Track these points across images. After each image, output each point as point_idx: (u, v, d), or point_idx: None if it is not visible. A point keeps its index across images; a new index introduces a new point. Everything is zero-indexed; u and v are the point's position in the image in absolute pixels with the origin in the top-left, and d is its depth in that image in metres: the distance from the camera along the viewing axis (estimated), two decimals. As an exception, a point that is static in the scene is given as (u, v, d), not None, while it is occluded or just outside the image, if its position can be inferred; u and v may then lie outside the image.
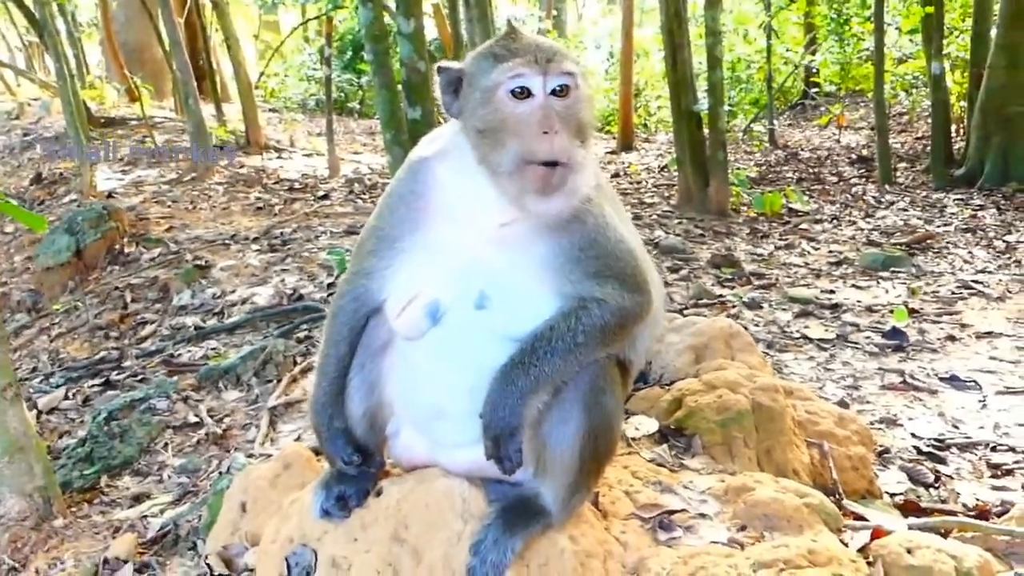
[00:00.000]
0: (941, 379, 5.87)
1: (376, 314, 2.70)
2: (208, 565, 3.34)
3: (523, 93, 2.37)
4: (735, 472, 3.18)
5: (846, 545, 2.78)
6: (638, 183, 15.15)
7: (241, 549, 3.39)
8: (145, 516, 4.22)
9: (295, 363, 5.80)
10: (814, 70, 21.75)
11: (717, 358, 3.80)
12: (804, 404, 3.85)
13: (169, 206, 11.19)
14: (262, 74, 24.70)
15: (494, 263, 2.52)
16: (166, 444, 5.04)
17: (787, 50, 21.11)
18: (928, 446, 4.80)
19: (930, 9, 13.63)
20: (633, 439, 3.38)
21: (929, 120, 15.02)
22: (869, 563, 2.65)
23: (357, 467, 2.72)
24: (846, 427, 3.79)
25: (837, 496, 3.41)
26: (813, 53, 20.47)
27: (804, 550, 2.51)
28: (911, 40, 18.72)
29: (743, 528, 2.78)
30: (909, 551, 2.66)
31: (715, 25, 11.65)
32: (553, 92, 2.38)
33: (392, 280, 2.64)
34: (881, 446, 4.69)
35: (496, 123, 2.38)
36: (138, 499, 4.48)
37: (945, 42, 14.79)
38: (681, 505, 2.89)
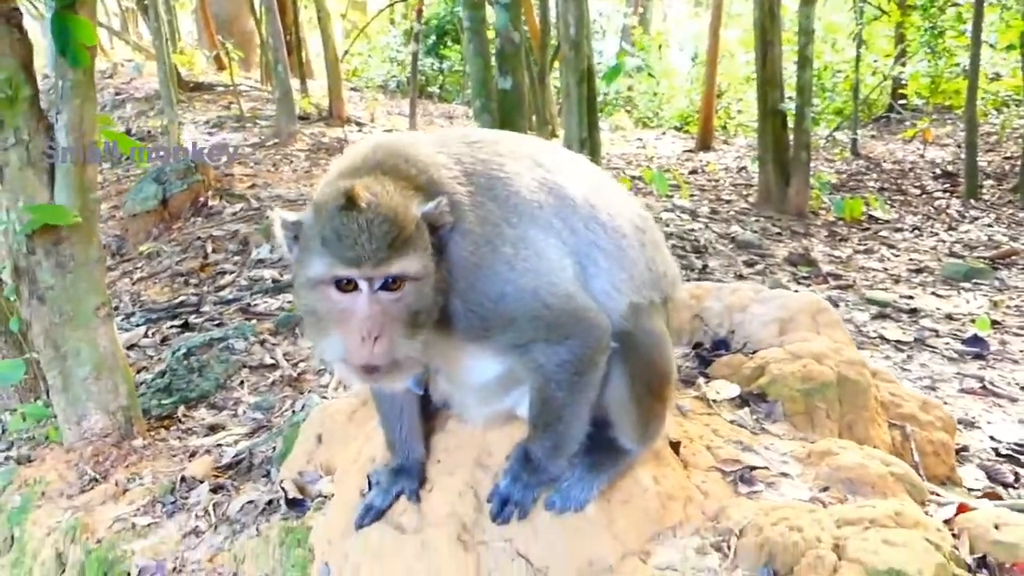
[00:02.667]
0: (1022, 388, 5.73)
1: None
2: (283, 489, 3.39)
3: (349, 284, 2.18)
4: (816, 441, 3.14)
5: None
6: (716, 181, 15.01)
7: (315, 476, 3.43)
8: (220, 445, 4.31)
9: (371, 317, 5.85)
10: (902, 82, 21.34)
11: (802, 331, 3.75)
12: (888, 386, 3.79)
13: (252, 167, 11.36)
14: (347, 52, 24.91)
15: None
16: (242, 382, 5.14)
17: (876, 61, 20.72)
18: (1008, 449, 4.70)
19: (1031, 23, 13.32)
20: (714, 402, 3.35)
21: (1019, 140, 14.66)
22: (954, 535, 2.60)
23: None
24: (929, 412, 3.73)
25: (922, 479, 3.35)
26: (903, 65, 20.08)
27: (891, 511, 2.47)
28: (1005, 58, 18.28)
29: (825, 489, 2.75)
30: (996, 526, 2.60)
31: (808, 24, 11.47)
32: (384, 286, 2.19)
33: None
34: (960, 444, 4.60)
35: (319, 313, 2.24)
36: (213, 429, 4.58)
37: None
38: (763, 463, 2.87)
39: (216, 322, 6.39)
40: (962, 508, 2.78)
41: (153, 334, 6.41)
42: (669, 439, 2.84)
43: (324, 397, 4.74)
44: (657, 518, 2.51)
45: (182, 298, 7.20)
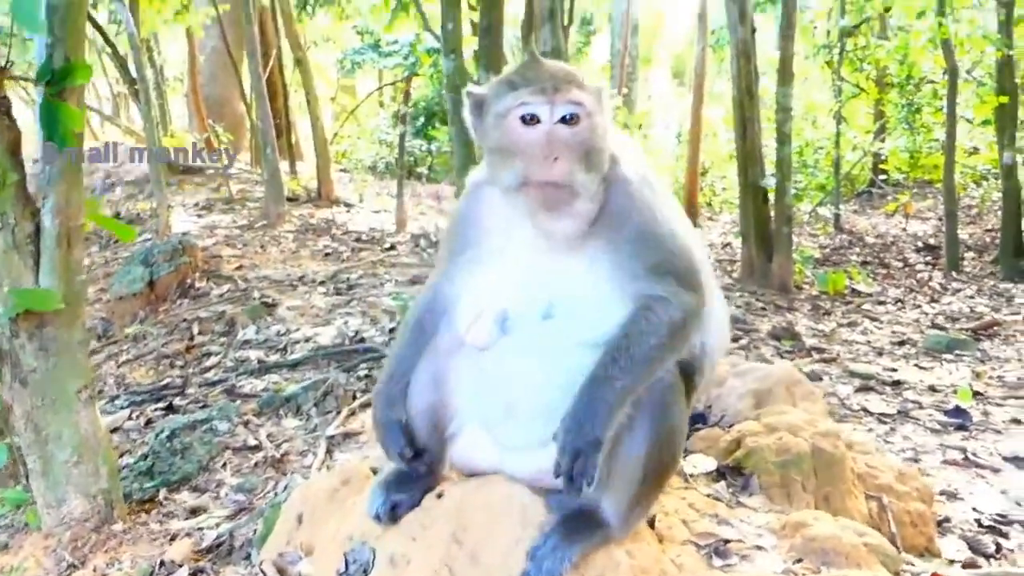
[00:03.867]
0: (1005, 459, 5.74)
1: (447, 317, 2.78)
2: (263, 571, 3.38)
3: (532, 120, 2.49)
4: (791, 513, 3.16)
5: (904, 586, 2.76)
6: (701, 258, 15.15)
7: (296, 558, 3.42)
8: (201, 528, 4.29)
9: (355, 397, 5.88)
10: (883, 158, 21.68)
11: (779, 404, 3.79)
12: (864, 457, 3.82)
13: (240, 248, 11.45)
14: (336, 135, 25.23)
15: (555, 272, 2.61)
16: (225, 464, 5.13)
17: (855, 137, 21.06)
18: (990, 520, 4.71)
19: (1004, 99, 13.58)
20: (691, 476, 3.38)
21: (999, 213, 14.87)
22: (928, 605, 2.62)
23: (409, 462, 2.78)
24: (906, 483, 3.75)
25: (896, 550, 3.36)
26: (882, 141, 20.42)
27: (862, 582, 2.49)
28: (983, 133, 18.61)
29: (799, 561, 2.77)
30: (968, 596, 2.63)
31: (786, 101, 11.71)
32: (562, 119, 2.50)
33: (463, 287, 2.75)
34: (942, 515, 4.61)
35: (505, 145, 2.52)
36: (195, 512, 4.57)
37: (1019, 135, 14.68)
38: (738, 536, 2.89)
39: (201, 404, 6.40)
40: (935, 578, 2.81)
41: (137, 417, 6.40)
42: (644, 514, 2.86)
43: (307, 478, 4.74)
44: (631, 592, 2.52)
45: (167, 380, 7.21)
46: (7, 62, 3.99)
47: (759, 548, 2.86)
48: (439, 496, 2.72)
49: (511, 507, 2.60)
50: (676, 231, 2.70)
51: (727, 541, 2.86)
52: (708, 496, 3.22)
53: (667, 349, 2.54)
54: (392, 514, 2.75)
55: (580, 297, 2.59)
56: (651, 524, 2.84)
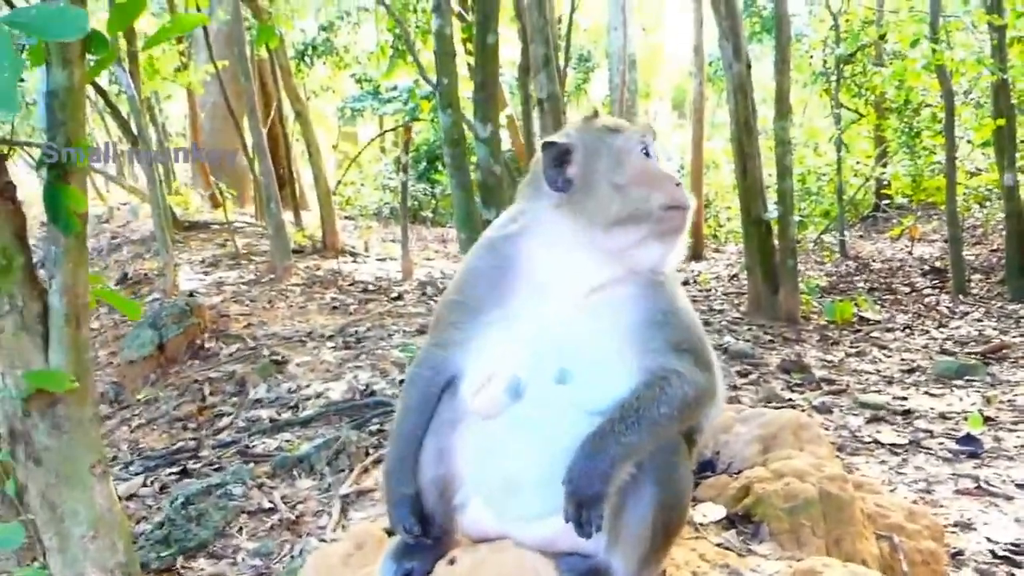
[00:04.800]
0: (1018, 486, 5.74)
1: (452, 385, 2.81)
2: (280, 639, 3.42)
3: (647, 154, 2.72)
4: (803, 559, 3.18)
5: (916, 632, 2.77)
6: (708, 291, 15.19)
7: (312, 625, 3.45)
8: (219, 596, 4.33)
9: (367, 454, 5.92)
10: (885, 182, 21.75)
11: (785, 449, 3.81)
12: (873, 497, 3.84)
13: (248, 305, 11.52)
14: (339, 182, 25.43)
15: (577, 335, 2.65)
16: (241, 528, 5.16)
17: (857, 163, 21.15)
18: (1004, 550, 4.71)
19: (1002, 121, 13.65)
20: (700, 525, 3.40)
21: (1003, 233, 14.90)
22: (940, 650, 2.63)
23: (416, 538, 2.79)
24: (917, 521, 3.76)
25: (909, 590, 3.38)
26: (884, 166, 20.50)
27: (872, 631, 2.51)
28: (983, 153, 18.67)
29: (810, 610, 2.79)
30: (981, 639, 2.64)
31: (784, 135, 11.82)
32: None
33: (471, 353, 2.76)
34: (955, 548, 4.62)
35: (634, 178, 2.67)
36: (213, 579, 4.60)
37: (1019, 156, 14.74)
38: (749, 587, 2.91)
39: (215, 466, 6.44)
40: (947, 621, 2.82)
41: (152, 483, 6.44)
42: (655, 568, 2.88)
43: (323, 540, 4.77)
44: (644, 651, 2.55)
45: (180, 443, 7.25)
46: (9, 149, 4.07)
47: (770, 598, 2.88)
48: (451, 562, 2.74)
49: (523, 572, 2.62)
50: (693, 312, 2.83)
51: (738, 592, 2.88)
52: (718, 546, 3.24)
53: (675, 420, 2.59)
54: None
55: (597, 362, 2.63)
56: (662, 580, 2.87)
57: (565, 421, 2.58)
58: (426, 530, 2.80)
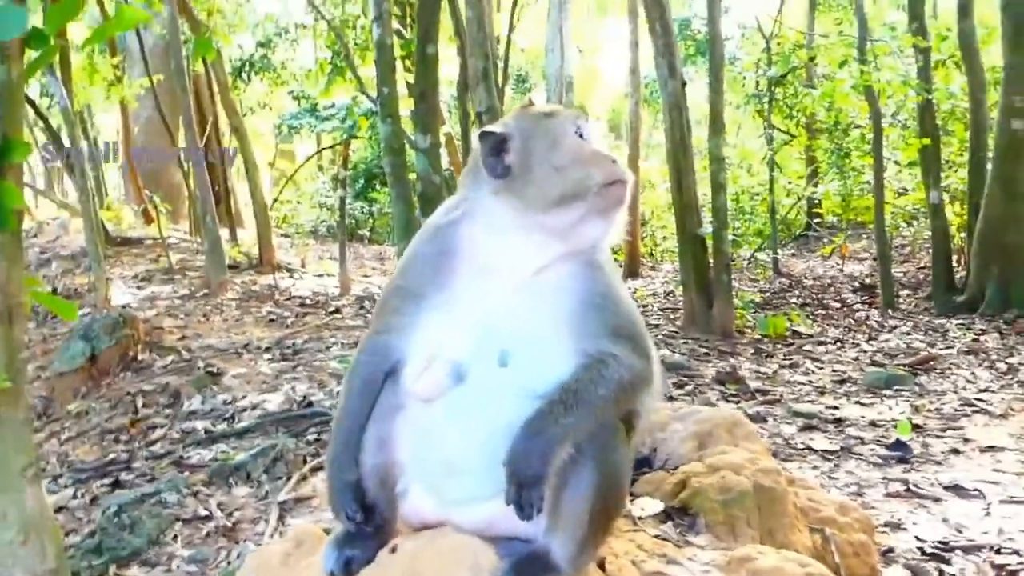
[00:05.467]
0: (945, 488, 5.89)
1: (394, 371, 2.83)
2: (218, 638, 3.38)
3: (580, 135, 2.77)
4: (736, 549, 3.24)
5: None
6: (644, 306, 15.33)
7: (251, 623, 3.42)
8: (154, 601, 4.26)
9: (305, 461, 5.88)
10: (816, 202, 22.20)
11: (720, 445, 3.88)
12: (806, 492, 3.92)
13: (182, 319, 11.38)
14: (276, 200, 25.28)
15: (518, 317, 2.68)
16: (176, 536, 5.09)
17: (789, 182, 21.57)
18: (932, 548, 4.83)
19: (927, 141, 14.05)
20: (639, 518, 3.45)
21: (930, 251, 15.30)
22: (870, 631, 2.70)
23: (357, 526, 2.81)
24: (848, 514, 3.85)
25: (840, 580, 3.45)
26: (815, 185, 20.94)
27: (805, 611, 2.57)
28: (910, 174, 19.16)
29: (746, 594, 2.84)
30: (909, 620, 2.71)
31: (718, 152, 12.03)
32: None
33: (413, 338, 2.78)
34: (886, 546, 4.72)
35: (571, 159, 2.72)
36: (147, 586, 4.53)
37: (944, 176, 15.18)
38: (686, 573, 2.96)
39: (148, 477, 6.33)
40: (877, 605, 2.89)
41: (82, 495, 6.31)
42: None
43: (259, 545, 4.72)
44: (583, 634, 2.57)
45: (112, 456, 7.12)
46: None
47: (706, 585, 2.92)
48: (392, 550, 2.75)
49: (463, 556, 2.64)
50: (631, 300, 2.89)
51: (675, 579, 2.92)
52: (656, 537, 3.28)
53: (613, 402, 2.63)
54: (347, 570, 2.77)
55: (537, 344, 2.66)
56: (601, 566, 2.89)
57: (506, 404, 2.61)
58: (368, 518, 2.80)
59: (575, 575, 2.69)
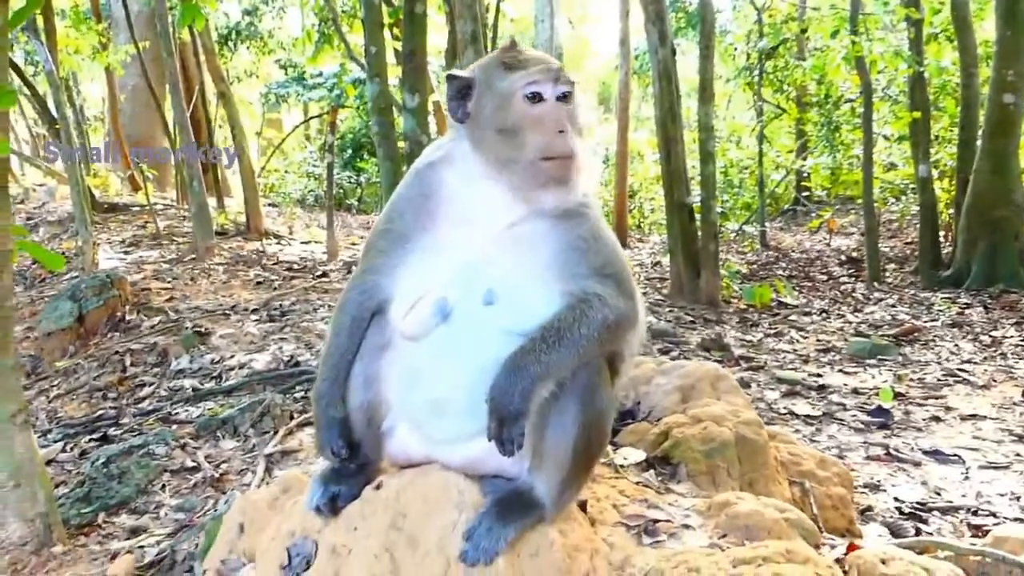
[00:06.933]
0: (925, 453, 5.97)
1: (380, 311, 2.86)
2: (206, 578, 3.43)
3: (535, 98, 2.67)
4: (718, 496, 3.30)
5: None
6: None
7: (238, 564, 3.46)
8: (142, 546, 4.31)
9: (292, 417, 5.92)
10: (805, 175, 22.25)
11: (703, 398, 3.94)
12: (787, 447, 3.99)
13: (170, 282, 11.37)
14: (263, 169, 25.19)
15: (501, 262, 2.71)
16: (164, 486, 5.14)
17: (779, 156, 21.61)
18: (910, 508, 4.91)
19: (917, 114, 14.10)
20: (621, 467, 3.50)
21: (918, 225, 15.38)
22: (845, 571, 2.76)
23: (343, 462, 2.84)
24: (827, 469, 3.92)
25: (819, 529, 3.52)
26: (804, 159, 20.97)
27: (783, 549, 2.62)
28: (900, 149, 19.22)
29: (724, 536, 2.90)
30: (883, 562, 2.77)
31: (707, 120, 12.06)
32: (559, 98, 2.69)
33: (400, 277, 2.81)
34: (864, 506, 4.80)
35: (514, 123, 2.67)
36: (135, 532, 4.59)
37: (933, 151, 15.22)
38: (666, 517, 3.01)
39: (136, 432, 6.36)
40: (851, 547, 2.95)
41: (71, 448, 6.34)
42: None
43: (246, 494, 4.77)
44: (565, 569, 2.62)
45: (100, 412, 7.15)
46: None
47: (686, 527, 2.98)
48: (377, 487, 2.79)
49: (447, 493, 2.69)
50: (616, 243, 2.89)
51: (656, 521, 2.97)
52: (638, 484, 3.34)
53: (596, 341, 2.64)
54: (332, 506, 2.80)
55: (522, 285, 2.69)
56: (583, 508, 2.95)
57: (491, 342, 2.64)
58: (353, 455, 2.85)
59: (557, 513, 2.74)
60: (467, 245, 2.75)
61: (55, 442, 6.54)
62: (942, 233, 15.65)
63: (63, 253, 13.59)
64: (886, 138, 19.32)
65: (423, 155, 3.01)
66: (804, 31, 19.37)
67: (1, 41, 4.02)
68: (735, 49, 21.55)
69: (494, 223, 2.74)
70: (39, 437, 6.71)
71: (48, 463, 6.04)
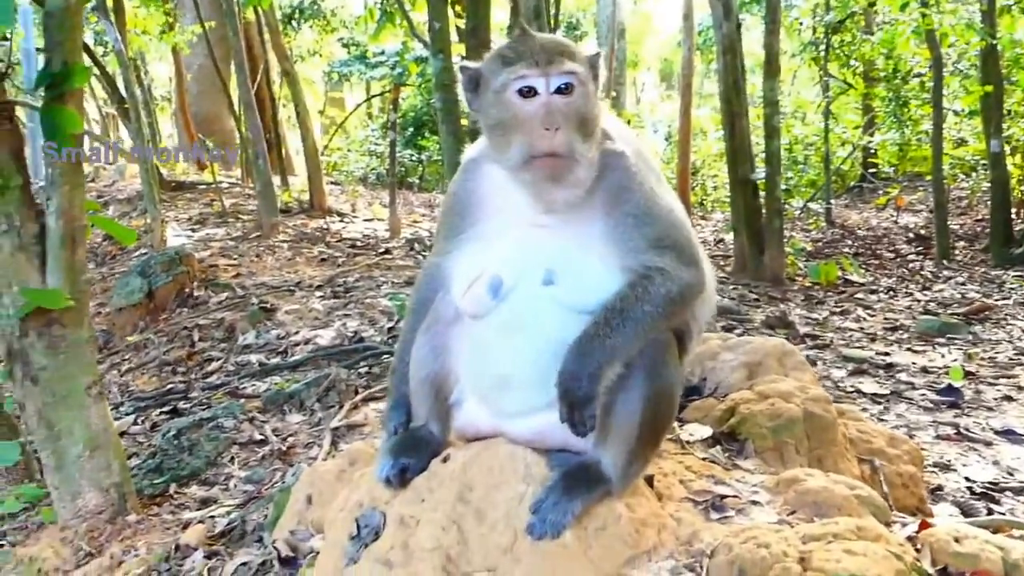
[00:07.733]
0: (996, 432, 5.86)
1: (445, 289, 2.89)
2: (276, 548, 3.49)
3: (529, 92, 2.59)
4: (786, 473, 3.27)
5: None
6: (694, 255, 15.25)
7: (307, 535, 3.53)
8: (213, 516, 4.40)
9: (356, 392, 5.98)
10: (872, 152, 21.83)
11: (770, 374, 3.90)
12: (856, 424, 3.93)
13: (236, 259, 11.54)
14: (326, 147, 25.36)
15: (556, 242, 2.70)
16: (232, 458, 5.24)
17: (845, 132, 21.21)
18: (982, 487, 4.82)
19: (990, 88, 13.73)
20: (687, 443, 3.49)
21: (988, 202, 15.03)
22: (917, 549, 2.72)
23: (410, 434, 2.91)
24: (897, 447, 3.86)
25: (889, 507, 3.47)
26: (871, 135, 20.57)
27: (853, 526, 2.59)
28: (970, 124, 18.77)
29: (793, 512, 2.87)
30: (956, 540, 2.72)
31: (773, 95, 11.87)
32: (557, 90, 2.59)
33: (457, 261, 2.85)
34: (934, 485, 4.72)
35: (505, 120, 2.62)
36: (205, 503, 4.69)
37: (1005, 126, 14.81)
38: (733, 493, 3.00)
39: (205, 406, 6.49)
40: (924, 525, 2.91)
41: (142, 421, 6.50)
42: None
43: (313, 466, 4.84)
44: (632, 543, 2.62)
45: (170, 386, 7.31)
46: (8, 67, 4.10)
47: (754, 503, 2.96)
48: (445, 460, 2.81)
49: (515, 466, 2.70)
50: (673, 206, 2.83)
51: (723, 497, 2.96)
52: (704, 460, 3.33)
53: (660, 317, 2.63)
54: (401, 477, 2.82)
55: (580, 264, 2.68)
56: (649, 483, 2.94)
57: (553, 320, 2.65)
58: (421, 427, 2.88)
59: (623, 488, 2.73)
60: (517, 230, 2.76)
61: (127, 415, 6.70)
62: (1014, 210, 15.28)
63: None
64: (956, 113, 18.85)
65: (472, 146, 3.03)
66: (872, 4, 18.91)
67: (74, 20, 4.09)
68: (800, 23, 21.12)
69: (529, 216, 2.74)
70: (112, 410, 6.87)
71: (121, 435, 6.19)
